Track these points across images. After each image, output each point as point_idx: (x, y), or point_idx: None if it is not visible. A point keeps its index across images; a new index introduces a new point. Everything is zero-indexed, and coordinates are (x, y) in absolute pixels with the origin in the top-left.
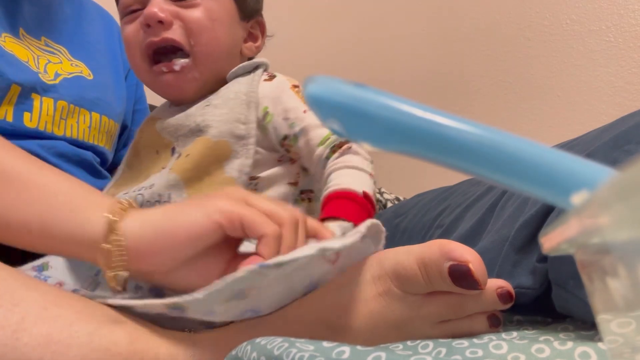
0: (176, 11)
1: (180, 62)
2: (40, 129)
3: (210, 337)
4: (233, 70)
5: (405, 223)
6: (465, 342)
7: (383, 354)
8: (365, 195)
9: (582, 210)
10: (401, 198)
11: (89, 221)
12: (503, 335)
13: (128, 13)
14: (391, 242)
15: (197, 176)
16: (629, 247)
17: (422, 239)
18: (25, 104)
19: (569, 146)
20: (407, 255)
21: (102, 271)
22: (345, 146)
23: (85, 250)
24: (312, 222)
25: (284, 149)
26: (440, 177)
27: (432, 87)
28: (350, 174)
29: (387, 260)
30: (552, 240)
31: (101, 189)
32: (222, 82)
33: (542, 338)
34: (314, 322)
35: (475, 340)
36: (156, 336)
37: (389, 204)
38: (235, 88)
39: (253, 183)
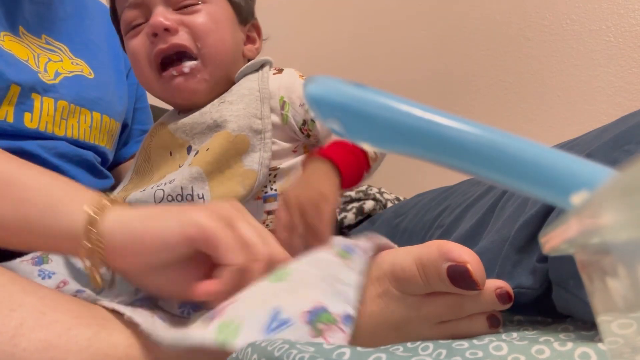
0: (180, 19)
1: (189, 64)
2: (41, 130)
3: None
4: (241, 69)
5: (405, 223)
6: (465, 344)
7: (383, 356)
8: (365, 152)
9: (582, 210)
10: (401, 198)
11: (70, 215)
12: (503, 336)
13: (132, 28)
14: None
15: (218, 169)
16: (629, 248)
17: (422, 239)
18: (25, 104)
19: (569, 146)
20: (406, 256)
21: (84, 266)
22: None
23: (67, 245)
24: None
25: (304, 135)
26: (440, 177)
27: (432, 87)
28: None
29: (386, 262)
30: (552, 241)
31: (103, 188)
32: (231, 83)
33: (542, 339)
34: None
35: (475, 342)
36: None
37: (389, 204)
38: (247, 85)
39: (272, 174)
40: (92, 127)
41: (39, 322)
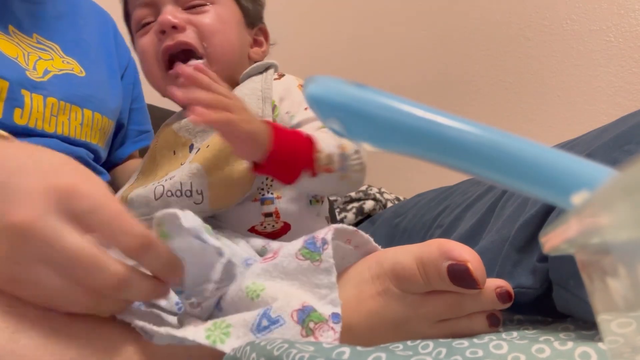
0: (188, 18)
1: (194, 63)
2: (31, 126)
3: None
4: (246, 71)
5: (405, 223)
6: (465, 342)
7: (383, 355)
8: (313, 148)
9: (582, 210)
10: (401, 198)
11: None
12: (503, 335)
13: (142, 26)
14: (391, 242)
15: (217, 165)
16: (629, 247)
17: (422, 239)
18: (16, 100)
19: (569, 146)
20: (406, 254)
21: None
22: None
23: None
24: None
25: None
26: (440, 177)
27: (432, 87)
28: (320, 136)
29: (386, 260)
30: (552, 240)
31: None
32: (235, 84)
33: (542, 338)
34: None
35: (475, 340)
36: None
37: (389, 204)
38: (250, 85)
39: (270, 178)
40: (83, 125)
41: (38, 318)
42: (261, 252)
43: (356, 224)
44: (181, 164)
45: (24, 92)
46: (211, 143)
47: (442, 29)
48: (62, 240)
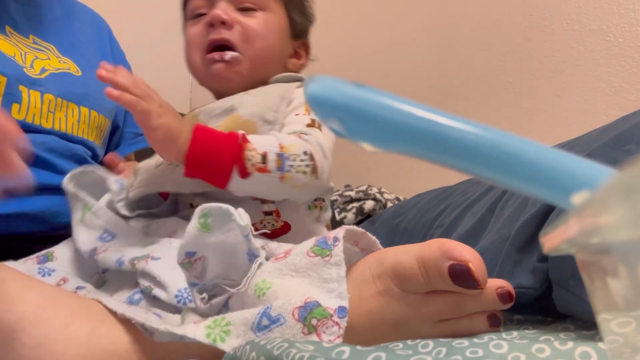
0: (238, 18)
1: (231, 54)
2: (28, 121)
3: None
4: (277, 76)
5: (405, 223)
6: (465, 342)
7: (383, 354)
8: (242, 144)
9: (582, 210)
10: (401, 198)
11: None
12: (503, 334)
13: (194, 16)
14: (391, 242)
15: None
16: (629, 247)
17: (422, 239)
18: (14, 95)
19: (569, 146)
20: (407, 254)
21: None
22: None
23: None
24: None
25: None
26: (440, 177)
27: (432, 87)
28: (260, 137)
29: (387, 259)
30: (552, 240)
31: None
32: (264, 84)
33: (542, 338)
34: None
35: (475, 340)
36: None
37: (389, 204)
38: (272, 87)
39: None
40: (80, 122)
41: (38, 317)
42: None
43: (356, 224)
44: None
45: (21, 88)
46: (220, 125)
47: (442, 29)
48: None
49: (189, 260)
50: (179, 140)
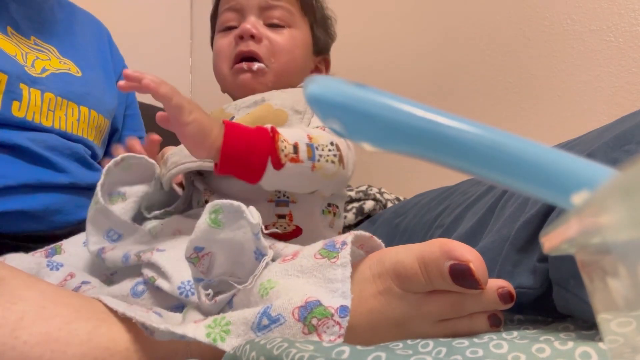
0: (266, 33)
1: (258, 65)
2: (29, 119)
3: None
4: (300, 85)
5: (406, 223)
6: (465, 342)
7: (383, 354)
8: (274, 139)
9: (582, 210)
10: (401, 198)
11: None
12: (503, 334)
13: (224, 29)
14: (391, 242)
15: None
16: (629, 247)
17: (423, 239)
18: (14, 93)
19: (569, 146)
20: (408, 253)
21: None
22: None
23: None
24: None
25: None
26: (440, 177)
27: (432, 87)
28: (288, 129)
29: (388, 259)
30: (552, 240)
31: (95, 181)
32: None
33: (542, 338)
34: None
35: (475, 340)
36: None
37: (389, 204)
38: (300, 89)
39: (283, 191)
40: (79, 121)
41: (39, 315)
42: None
43: (356, 224)
44: None
45: (22, 85)
46: (252, 112)
47: (442, 29)
48: None
49: (196, 255)
50: (211, 136)
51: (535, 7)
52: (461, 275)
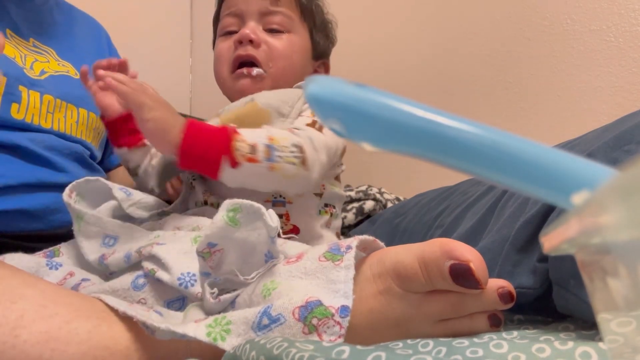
0: (265, 38)
1: (257, 70)
2: (27, 121)
3: None
4: (301, 83)
5: (406, 223)
6: (465, 342)
7: (383, 354)
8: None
9: (582, 210)
10: (401, 198)
11: None
12: (503, 334)
13: (225, 33)
14: (391, 242)
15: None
16: (629, 247)
17: (423, 239)
18: (14, 95)
19: (569, 146)
20: (408, 253)
21: None
22: None
23: None
24: None
25: None
26: (440, 177)
27: (432, 87)
28: (251, 130)
29: (388, 259)
30: (552, 240)
31: None
32: None
33: (542, 338)
34: None
35: (475, 340)
36: None
37: (389, 204)
38: (295, 89)
39: (279, 192)
40: (78, 123)
41: (39, 314)
42: None
43: (356, 224)
44: None
45: (21, 88)
46: (236, 111)
47: (441, 29)
48: None
49: (208, 250)
50: (170, 133)
51: (535, 7)
52: (461, 275)
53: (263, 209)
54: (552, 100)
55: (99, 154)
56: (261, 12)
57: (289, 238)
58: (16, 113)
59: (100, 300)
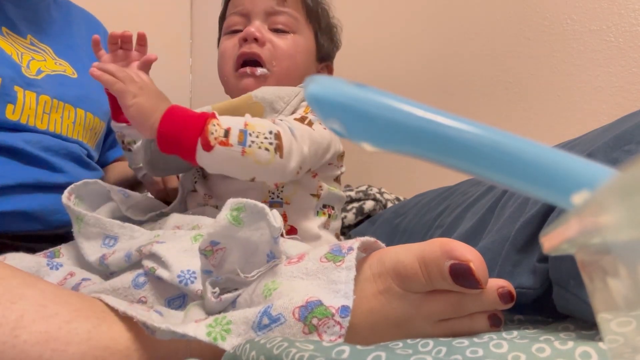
0: (270, 37)
1: (261, 70)
2: (23, 122)
3: None
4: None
5: (406, 223)
6: (465, 341)
7: (383, 354)
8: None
9: (582, 210)
10: (401, 198)
11: None
12: (503, 334)
13: (230, 32)
14: (391, 242)
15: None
16: (629, 247)
17: (423, 239)
18: (9, 96)
19: (569, 146)
20: (408, 253)
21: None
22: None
23: None
24: None
25: None
26: (440, 177)
27: (432, 87)
28: (230, 117)
29: (388, 258)
30: (552, 240)
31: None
32: None
33: (542, 337)
34: None
35: (475, 340)
36: None
37: (389, 204)
38: (295, 88)
39: (279, 188)
40: (75, 123)
41: (39, 314)
42: None
43: (356, 224)
44: None
45: (17, 88)
46: (229, 101)
47: (441, 29)
48: None
49: (211, 249)
50: (151, 118)
51: (535, 7)
52: (461, 275)
53: (267, 209)
54: (552, 100)
55: (95, 154)
56: (267, 11)
57: (291, 238)
58: (11, 114)
59: (100, 300)
